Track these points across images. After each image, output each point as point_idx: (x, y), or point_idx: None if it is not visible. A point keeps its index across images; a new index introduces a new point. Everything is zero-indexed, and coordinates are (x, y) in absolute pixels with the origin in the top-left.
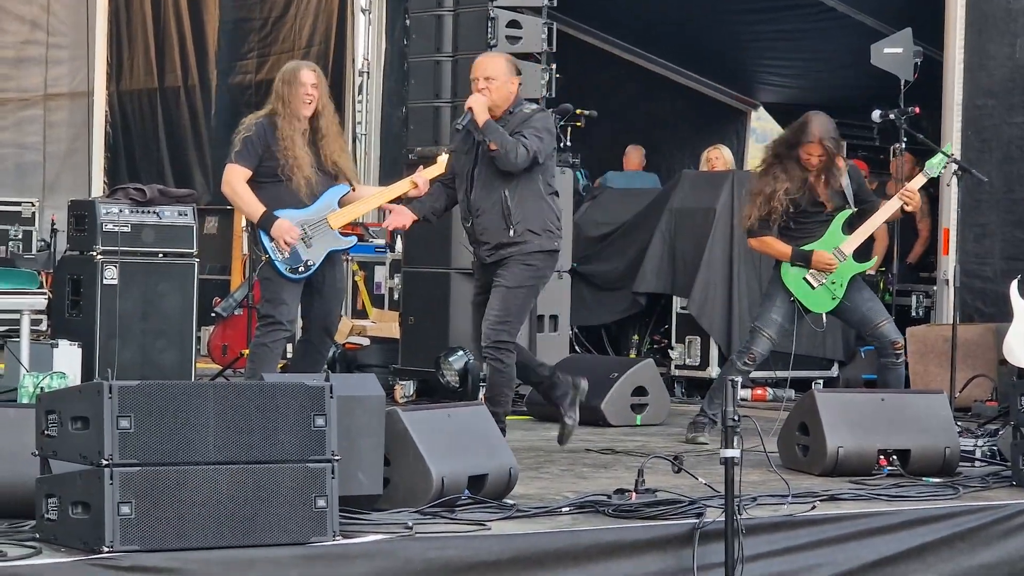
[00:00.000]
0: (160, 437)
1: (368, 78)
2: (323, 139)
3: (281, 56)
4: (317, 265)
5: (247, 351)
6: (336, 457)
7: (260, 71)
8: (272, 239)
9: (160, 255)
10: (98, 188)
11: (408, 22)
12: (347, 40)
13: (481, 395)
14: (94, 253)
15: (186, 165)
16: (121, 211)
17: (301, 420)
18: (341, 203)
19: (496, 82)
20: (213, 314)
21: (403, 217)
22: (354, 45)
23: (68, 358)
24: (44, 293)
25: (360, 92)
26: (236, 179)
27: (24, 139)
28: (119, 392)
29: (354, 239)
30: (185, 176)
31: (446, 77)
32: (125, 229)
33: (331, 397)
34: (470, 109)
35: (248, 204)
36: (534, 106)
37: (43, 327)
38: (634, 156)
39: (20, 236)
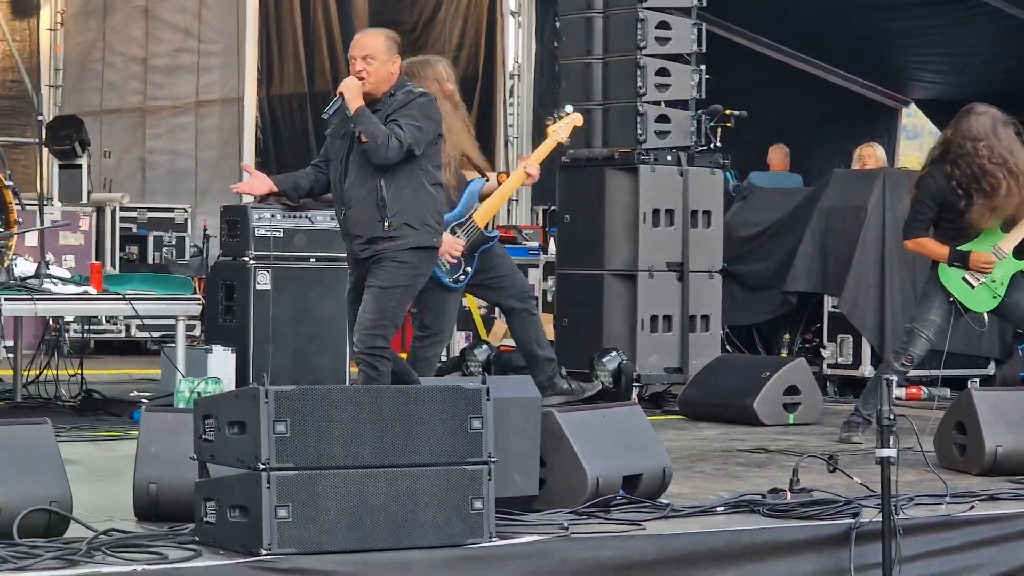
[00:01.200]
0: (316, 441)
1: (519, 80)
2: (449, 132)
3: None
4: (474, 268)
5: (401, 355)
6: (493, 459)
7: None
8: None
9: (312, 259)
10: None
11: (558, 24)
12: (497, 43)
13: (635, 396)
14: (247, 258)
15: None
16: (273, 216)
17: (458, 422)
18: (481, 197)
19: (375, 62)
20: None
21: (260, 183)
22: (504, 48)
23: (222, 363)
24: (198, 299)
25: (511, 95)
26: None
27: (177, 146)
28: (275, 397)
29: (496, 232)
30: None
31: (596, 79)
32: (277, 234)
33: (487, 399)
34: (341, 94)
35: None
36: (419, 89)
37: (197, 332)
38: (777, 156)
39: (173, 242)
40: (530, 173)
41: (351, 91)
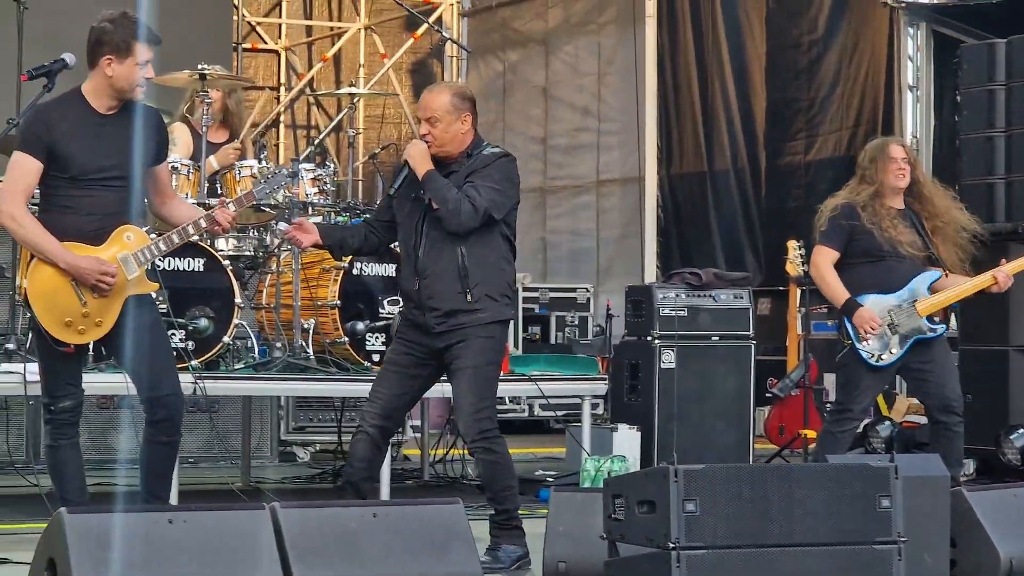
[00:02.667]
0: (726, 520)
1: (918, 155)
2: (924, 218)
3: (829, 136)
4: (902, 354)
5: (804, 431)
6: (903, 539)
7: (809, 152)
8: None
9: (715, 337)
10: (651, 272)
11: (959, 98)
12: (894, 117)
13: None
14: (652, 337)
15: (738, 247)
16: (677, 295)
17: (866, 502)
18: (932, 289)
19: (440, 124)
20: (769, 395)
21: (305, 235)
22: (902, 122)
23: (628, 441)
24: (603, 378)
25: None
26: (823, 261)
27: (578, 225)
28: (685, 476)
29: (943, 327)
30: (737, 258)
31: (999, 153)
32: (682, 313)
33: (896, 478)
34: (406, 162)
35: (832, 289)
36: (499, 149)
37: (601, 411)
38: None
39: (576, 322)
40: (998, 280)
41: (417, 155)
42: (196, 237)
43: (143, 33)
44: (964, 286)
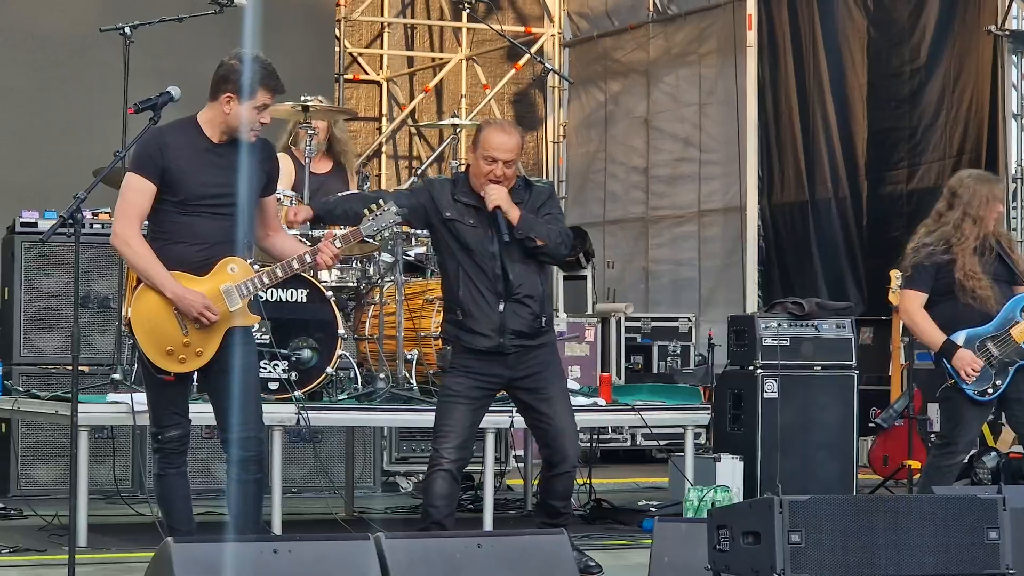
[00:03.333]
0: (831, 551)
1: (1021, 184)
2: (1000, 237)
3: (932, 165)
4: (1006, 385)
5: (908, 462)
6: (1011, 571)
7: (911, 181)
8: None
9: (818, 367)
10: (752, 302)
11: None
12: (999, 146)
13: None
14: (754, 367)
15: (840, 276)
16: (780, 325)
17: (974, 534)
18: (1023, 313)
19: (514, 166)
20: (873, 424)
21: (302, 211)
22: (1006, 151)
23: (731, 471)
24: (706, 408)
25: (1014, 199)
26: (913, 306)
27: (679, 255)
28: (790, 507)
29: None
30: (839, 287)
31: None
32: (784, 342)
33: (1004, 509)
34: (497, 208)
35: (927, 333)
36: (540, 180)
37: (703, 440)
38: None
39: (678, 351)
40: None
41: (505, 200)
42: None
43: (269, 80)
44: None
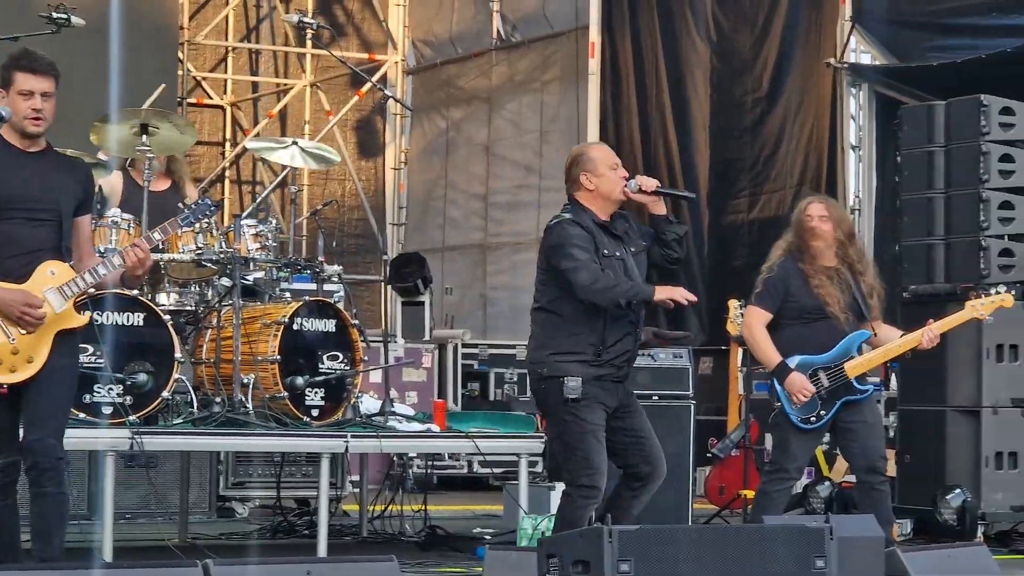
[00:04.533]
0: None
1: (859, 215)
2: (857, 274)
3: (773, 195)
4: (830, 416)
5: (743, 492)
6: None
7: (752, 210)
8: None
9: (655, 396)
10: None
11: (899, 159)
12: (837, 177)
13: (980, 534)
14: None
15: (680, 306)
16: None
17: (801, 562)
18: (860, 350)
19: None
20: (710, 455)
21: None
22: (845, 181)
23: None
24: (541, 436)
25: None
26: (756, 323)
27: (518, 282)
28: (619, 536)
29: (870, 387)
30: (679, 316)
31: (939, 213)
32: None
33: (831, 538)
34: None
35: (764, 351)
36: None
37: (539, 468)
38: None
39: (515, 379)
40: (925, 341)
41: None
42: (132, 283)
43: (22, 61)
44: (892, 345)
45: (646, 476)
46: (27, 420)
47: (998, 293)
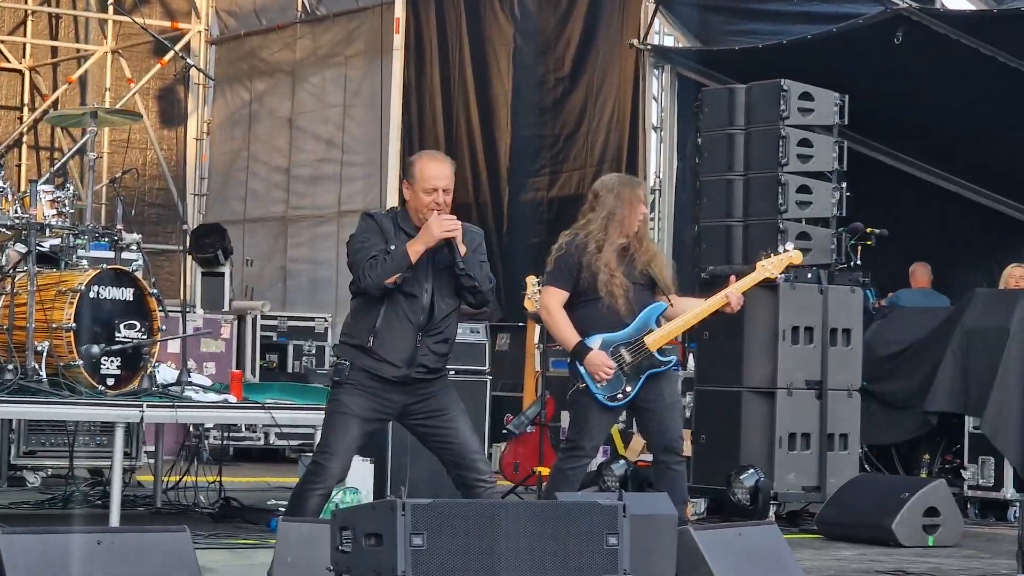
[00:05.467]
0: (453, 555)
1: (660, 195)
2: (641, 251)
3: (573, 173)
4: (635, 392)
5: (539, 469)
6: (628, 575)
7: (552, 188)
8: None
9: (452, 372)
10: None
11: (700, 140)
12: (639, 157)
13: (772, 514)
14: None
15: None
16: None
17: (594, 539)
18: (659, 322)
19: (450, 194)
20: (505, 431)
21: None
22: (646, 162)
23: (360, 474)
24: None
25: (652, 209)
26: (552, 302)
27: (318, 255)
28: (412, 510)
29: (674, 359)
30: None
31: (738, 196)
32: None
33: (624, 516)
34: (450, 239)
35: (562, 331)
36: (465, 223)
37: None
38: (921, 273)
39: (313, 351)
40: (731, 302)
41: (459, 233)
42: None
43: None
44: (695, 311)
45: (466, 482)
46: None
47: (786, 251)
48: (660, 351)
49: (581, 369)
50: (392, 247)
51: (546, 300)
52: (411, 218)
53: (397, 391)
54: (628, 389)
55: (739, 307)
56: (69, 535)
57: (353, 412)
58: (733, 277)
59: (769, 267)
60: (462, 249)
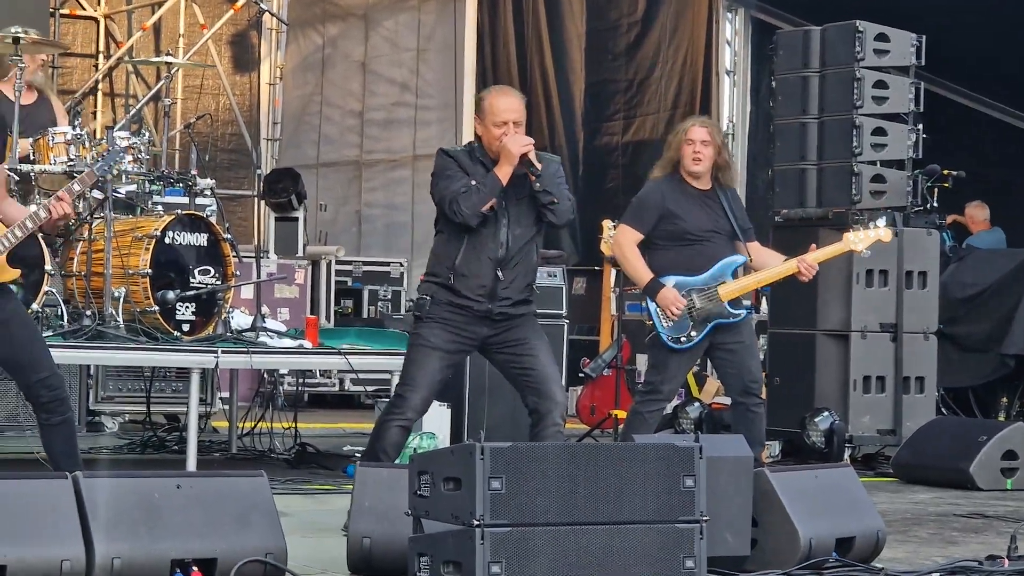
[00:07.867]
0: (531, 498)
1: (733, 140)
2: (722, 198)
3: (647, 117)
4: (701, 337)
5: (615, 412)
6: (705, 518)
7: (626, 132)
8: (658, 307)
9: None
10: None
11: (774, 84)
12: (712, 101)
13: (847, 457)
14: None
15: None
16: None
17: (670, 481)
18: (735, 274)
19: (522, 126)
20: (582, 374)
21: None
22: (719, 106)
23: (437, 418)
24: None
25: None
26: (626, 241)
27: (393, 199)
28: (491, 453)
29: (743, 312)
30: (553, 236)
31: (812, 139)
32: None
33: (700, 458)
34: (525, 154)
35: (635, 269)
36: (542, 152)
37: None
38: (979, 214)
39: (389, 296)
40: (803, 271)
41: (532, 148)
42: (51, 231)
43: None
44: (768, 272)
45: (539, 408)
46: (23, 363)
47: (876, 227)
48: (732, 303)
49: (652, 306)
50: (473, 182)
51: (620, 238)
52: (488, 151)
53: (479, 323)
54: (693, 334)
55: (811, 276)
56: (149, 479)
57: (433, 345)
58: (813, 246)
59: (855, 241)
60: (538, 165)
